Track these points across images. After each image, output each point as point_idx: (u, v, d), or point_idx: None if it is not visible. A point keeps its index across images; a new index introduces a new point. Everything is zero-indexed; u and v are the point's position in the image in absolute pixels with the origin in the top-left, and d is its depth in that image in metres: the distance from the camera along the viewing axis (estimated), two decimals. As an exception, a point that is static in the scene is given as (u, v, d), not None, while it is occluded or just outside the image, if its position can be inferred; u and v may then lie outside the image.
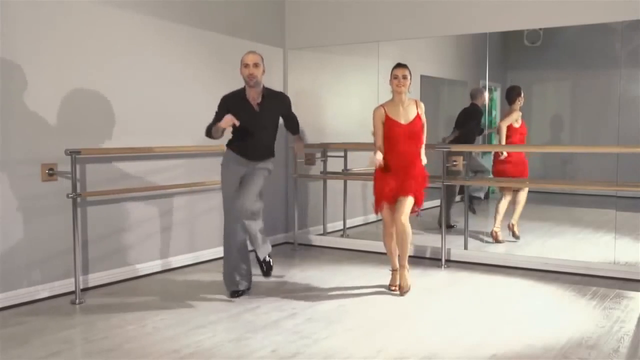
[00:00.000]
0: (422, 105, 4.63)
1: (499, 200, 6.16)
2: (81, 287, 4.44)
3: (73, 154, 4.34)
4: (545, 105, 6.97)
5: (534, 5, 5.18)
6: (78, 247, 4.39)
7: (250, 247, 4.47)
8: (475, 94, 6.34)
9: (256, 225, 4.35)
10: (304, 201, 6.61)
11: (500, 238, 6.08)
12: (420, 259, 5.60)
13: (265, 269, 4.45)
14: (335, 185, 6.57)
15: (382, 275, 4.96)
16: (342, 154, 6.44)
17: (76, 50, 4.54)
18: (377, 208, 4.64)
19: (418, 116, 4.55)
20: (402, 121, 4.50)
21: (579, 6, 4.99)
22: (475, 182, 6.30)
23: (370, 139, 4.78)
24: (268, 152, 4.46)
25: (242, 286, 4.48)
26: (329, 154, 6.40)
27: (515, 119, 6.04)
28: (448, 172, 5.52)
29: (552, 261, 5.23)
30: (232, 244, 4.41)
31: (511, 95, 6.12)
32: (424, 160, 4.65)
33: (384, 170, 4.51)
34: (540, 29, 5.90)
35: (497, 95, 6.64)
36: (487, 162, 6.44)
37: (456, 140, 6.29)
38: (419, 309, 4.23)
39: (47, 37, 4.36)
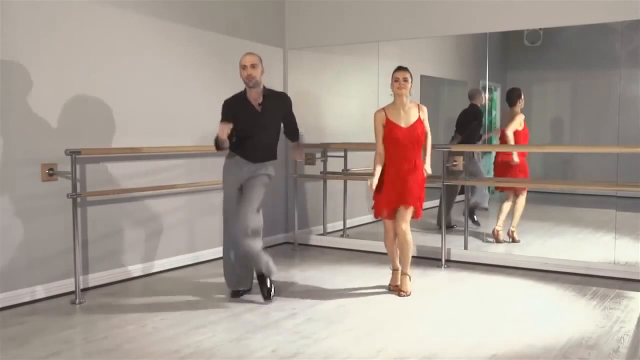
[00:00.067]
0: (424, 109, 4.57)
1: (502, 201, 6.17)
2: (81, 287, 4.45)
3: (73, 154, 4.35)
4: (545, 105, 6.96)
5: (534, 5, 5.18)
6: (78, 247, 4.40)
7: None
8: (474, 94, 6.33)
9: (256, 245, 4.21)
10: (303, 201, 6.61)
11: (501, 238, 6.08)
12: (420, 259, 5.60)
13: (266, 294, 4.35)
14: (335, 185, 6.57)
15: (382, 275, 4.96)
16: (342, 154, 6.43)
17: (76, 50, 4.54)
18: (377, 214, 4.64)
19: (419, 120, 4.51)
20: (403, 124, 4.48)
21: (579, 6, 5.00)
22: (476, 182, 6.30)
23: (370, 139, 4.77)
24: (269, 153, 4.44)
25: (243, 286, 4.49)
26: (329, 154, 6.39)
27: (520, 122, 6.03)
28: (448, 172, 5.53)
29: (552, 261, 5.23)
30: (231, 247, 4.40)
31: (512, 98, 6.10)
32: (429, 171, 4.59)
33: (384, 172, 4.50)
34: (540, 29, 5.89)
35: (497, 95, 6.64)
36: (487, 164, 6.43)
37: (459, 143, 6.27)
38: (419, 309, 4.23)
39: (47, 37, 4.36)
